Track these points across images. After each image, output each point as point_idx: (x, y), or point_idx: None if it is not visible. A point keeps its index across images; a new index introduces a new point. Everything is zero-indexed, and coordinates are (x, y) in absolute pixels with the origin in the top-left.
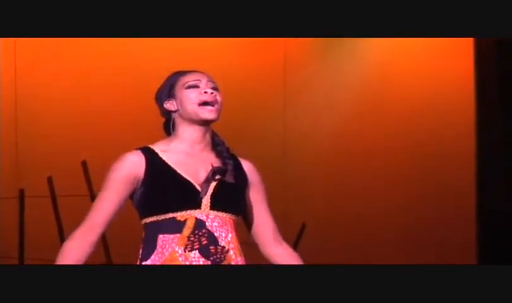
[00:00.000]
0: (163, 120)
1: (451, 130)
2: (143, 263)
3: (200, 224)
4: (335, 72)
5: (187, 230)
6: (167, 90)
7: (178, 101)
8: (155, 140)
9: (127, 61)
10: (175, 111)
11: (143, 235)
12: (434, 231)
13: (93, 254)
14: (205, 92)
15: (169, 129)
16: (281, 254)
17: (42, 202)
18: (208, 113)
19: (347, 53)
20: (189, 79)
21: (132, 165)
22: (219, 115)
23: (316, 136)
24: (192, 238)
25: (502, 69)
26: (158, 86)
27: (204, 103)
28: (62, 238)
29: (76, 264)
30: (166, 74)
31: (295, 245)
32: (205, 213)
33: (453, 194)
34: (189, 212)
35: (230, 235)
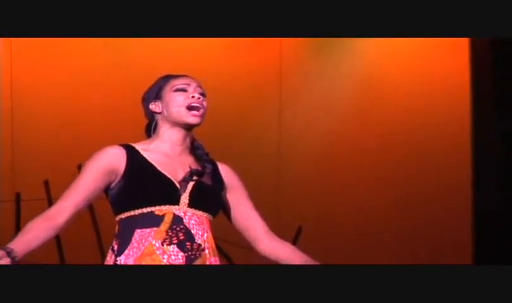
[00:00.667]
0: None
1: (446, 129)
2: (118, 258)
3: (177, 220)
4: (331, 72)
5: (165, 225)
6: (155, 92)
7: (164, 104)
8: None
9: (125, 61)
10: (159, 113)
11: (117, 230)
12: (429, 231)
13: (89, 255)
14: (193, 96)
15: (150, 131)
16: (278, 246)
17: (38, 205)
18: (192, 117)
19: (343, 52)
20: (178, 82)
21: (112, 157)
22: (202, 121)
23: (312, 135)
24: (170, 233)
25: (497, 69)
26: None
27: (190, 108)
28: (58, 241)
29: (33, 241)
30: (164, 74)
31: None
32: (182, 209)
33: (449, 194)
34: (167, 207)
35: (206, 235)
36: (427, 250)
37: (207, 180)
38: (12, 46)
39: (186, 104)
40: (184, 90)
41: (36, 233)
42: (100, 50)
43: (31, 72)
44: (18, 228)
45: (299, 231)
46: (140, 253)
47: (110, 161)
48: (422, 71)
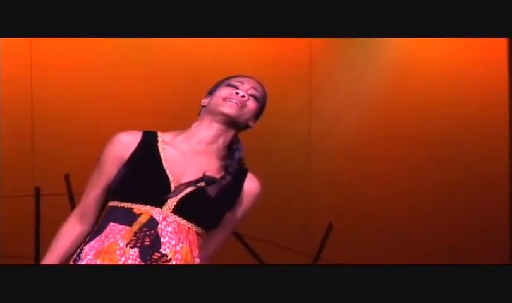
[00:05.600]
0: (179, 117)
1: (479, 120)
2: (84, 246)
3: (151, 223)
4: (361, 64)
5: (136, 225)
6: (212, 89)
7: (212, 97)
8: None
9: (146, 60)
10: (205, 106)
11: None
12: (464, 229)
13: None
14: (237, 92)
15: None
16: None
17: (58, 200)
18: (227, 107)
19: (373, 46)
20: (234, 79)
21: (119, 146)
22: (238, 114)
23: (342, 126)
24: (137, 235)
25: None
26: (180, 84)
27: (227, 99)
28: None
29: (70, 247)
30: (191, 72)
31: (322, 244)
32: (163, 214)
33: (484, 190)
34: (147, 207)
35: (180, 245)
36: (461, 248)
37: (212, 191)
38: (32, 45)
39: (226, 97)
40: (235, 87)
41: (69, 241)
42: (121, 49)
43: (51, 70)
44: (38, 223)
45: (330, 228)
46: (101, 248)
47: (115, 151)
48: (456, 65)
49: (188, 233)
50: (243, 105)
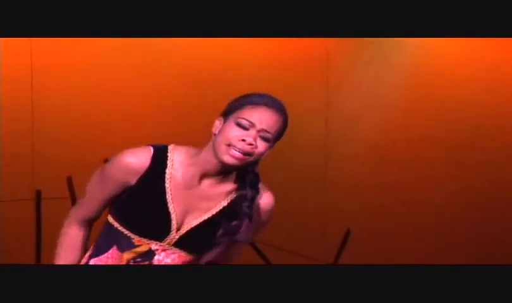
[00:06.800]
0: (180, 118)
1: (499, 122)
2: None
3: (148, 254)
4: (378, 64)
5: (130, 254)
6: (229, 109)
7: (222, 127)
8: (174, 140)
9: (147, 60)
10: (215, 134)
11: (102, 229)
12: (487, 233)
13: None
14: (243, 140)
15: None
16: None
17: (59, 203)
18: (229, 156)
19: (391, 44)
20: (248, 116)
21: (125, 172)
22: (242, 164)
23: (359, 128)
24: (129, 263)
25: None
26: (180, 84)
27: (231, 145)
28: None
29: (78, 256)
30: (191, 72)
31: (339, 252)
32: (163, 247)
33: (508, 193)
34: (147, 240)
35: None
36: (484, 251)
37: (217, 225)
38: (33, 46)
39: (231, 142)
40: (244, 128)
41: (75, 252)
42: (123, 50)
43: (51, 71)
44: (38, 227)
45: (347, 235)
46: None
47: (122, 173)
48: (474, 65)
49: (185, 260)
50: (249, 154)
